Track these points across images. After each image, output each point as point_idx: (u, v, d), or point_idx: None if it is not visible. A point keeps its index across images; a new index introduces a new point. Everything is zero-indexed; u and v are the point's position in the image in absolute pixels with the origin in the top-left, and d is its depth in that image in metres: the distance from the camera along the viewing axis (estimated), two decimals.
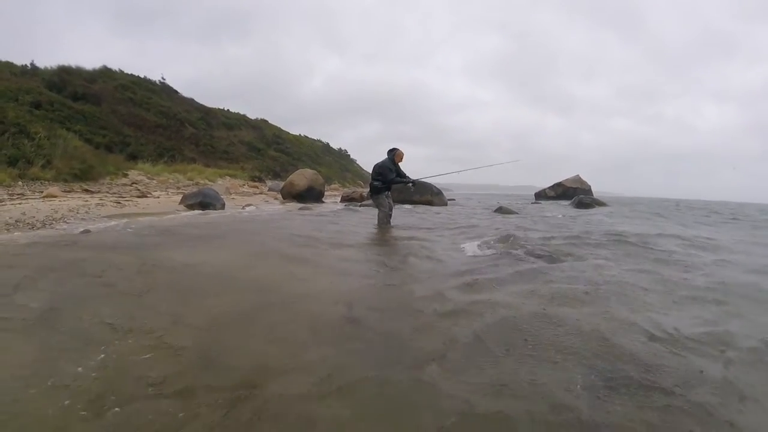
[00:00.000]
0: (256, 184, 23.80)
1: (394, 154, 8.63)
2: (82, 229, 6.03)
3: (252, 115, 44.74)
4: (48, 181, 13.03)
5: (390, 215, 8.82)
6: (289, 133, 47.32)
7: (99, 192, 12.59)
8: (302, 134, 52.75)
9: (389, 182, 8.51)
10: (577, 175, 35.94)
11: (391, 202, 8.95)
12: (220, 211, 10.97)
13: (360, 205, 14.77)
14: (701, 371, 2.25)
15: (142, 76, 33.12)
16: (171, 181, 18.59)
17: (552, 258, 5.27)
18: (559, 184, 35.61)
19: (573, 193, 32.43)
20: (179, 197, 12.23)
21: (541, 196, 36.19)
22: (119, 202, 10.63)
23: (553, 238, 7.26)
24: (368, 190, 9.52)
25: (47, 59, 27.61)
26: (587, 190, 33.81)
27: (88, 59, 31.22)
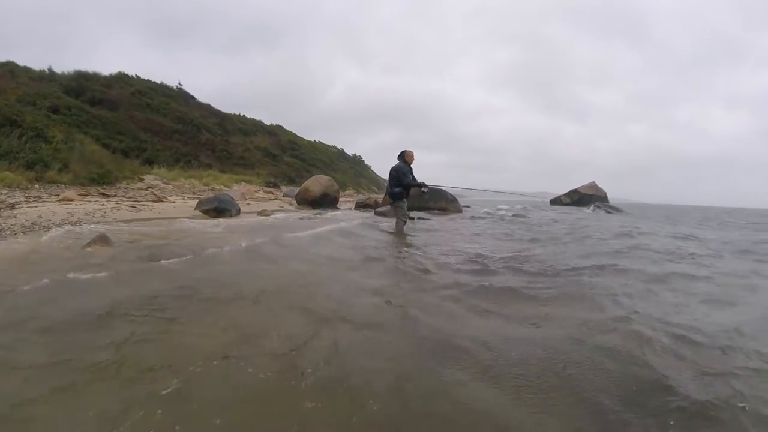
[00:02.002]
0: (271, 189, 23.73)
1: (405, 156, 8.58)
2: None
3: (272, 122, 45.06)
4: (65, 184, 13.03)
5: (405, 222, 8.76)
6: (303, 139, 47.42)
7: (115, 196, 12.53)
8: (317, 140, 52.89)
9: (406, 185, 8.45)
10: (593, 182, 35.55)
11: (406, 210, 8.88)
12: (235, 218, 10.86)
13: (375, 212, 14.50)
14: None
15: (158, 82, 33.39)
16: (187, 186, 18.55)
17: None
18: (574, 191, 35.23)
19: (589, 200, 32.05)
20: (195, 202, 12.11)
21: (556, 202, 35.83)
22: (135, 207, 10.53)
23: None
24: (386, 196, 9.47)
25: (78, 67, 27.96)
26: (603, 197, 33.38)
27: (120, 69, 31.52)
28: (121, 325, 2.77)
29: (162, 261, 4.44)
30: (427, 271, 5.12)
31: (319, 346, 2.64)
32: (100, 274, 3.79)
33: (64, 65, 27.22)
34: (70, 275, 3.69)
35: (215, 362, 2.34)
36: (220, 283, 3.84)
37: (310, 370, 2.31)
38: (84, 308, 3.00)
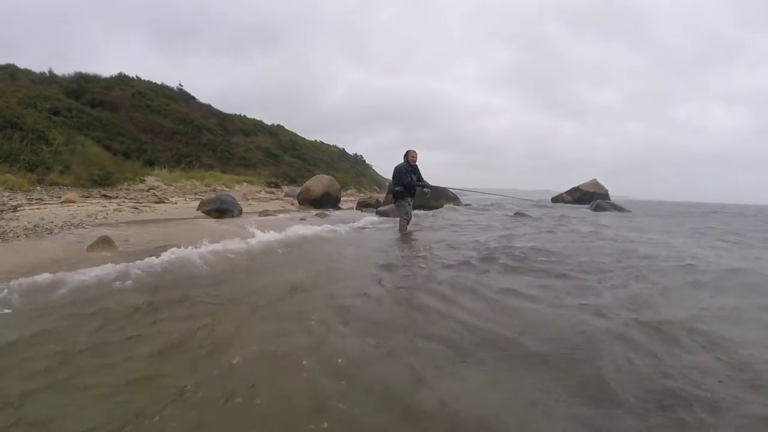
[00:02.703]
0: (273, 190, 23.70)
1: (408, 156, 8.65)
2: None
3: (273, 122, 45.01)
4: (66, 186, 13.02)
5: (408, 221, 8.78)
6: (304, 138, 47.28)
7: (117, 197, 12.52)
8: (318, 140, 52.80)
9: (406, 185, 8.49)
10: (594, 179, 35.49)
11: (410, 210, 8.88)
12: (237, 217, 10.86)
13: (377, 212, 14.46)
14: None
15: (159, 83, 33.33)
16: (188, 187, 18.52)
17: None
18: (576, 189, 35.18)
19: (590, 197, 31.96)
20: (197, 203, 12.11)
21: (558, 200, 35.77)
22: (137, 208, 10.52)
23: None
24: (387, 194, 9.58)
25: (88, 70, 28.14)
26: (604, 194, 33.32)
27: (121, 70, 31.51)
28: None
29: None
30: (424, 257, 5.88)
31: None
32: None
33: (67, 69, 27.02)
34: None
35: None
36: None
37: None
38: None
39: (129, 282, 3.96)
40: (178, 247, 5.26)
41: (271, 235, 6.89)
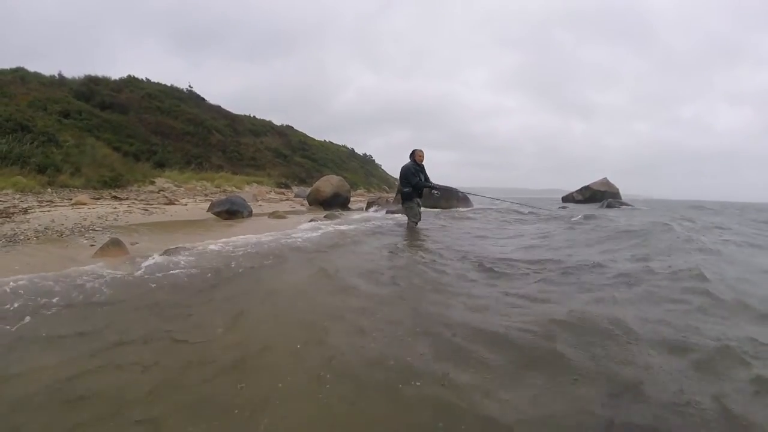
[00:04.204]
0: (282, 190, 23.63)
1: (415, 155, 8.50)
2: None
3: (282, 123, 45.10)
4: (77, 188, 13.01)
5: (417, 223, 8.69)
6: (314, 139, 47.29)
7: (127, 199, 12.48)
8: (327, 140, 52.80)
9: (414, 186, 8.35)
10: (605, 178, 35.03)
11: (420, 210, 8.77)
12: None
13: (387, 211, 14.33)
14: None
15: (169, 85, 33.42)
16: (199, 188, 18.49)
17: None
18: (586, 188, 34.77)
19: (601, 196, 31.59)
20: (207, 204, 12.04)
21: (568, 199, 35.39)
22: (147, 210, 10.45)
23: None
24: (397, 195, 9.51)
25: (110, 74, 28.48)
26: (615, 194, 32.92)
27: (142, 74, 31.62)
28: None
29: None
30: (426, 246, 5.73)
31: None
32: None
33: (80, 72, 27.12)
34: None
35: None
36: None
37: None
38: None
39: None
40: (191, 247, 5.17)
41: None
